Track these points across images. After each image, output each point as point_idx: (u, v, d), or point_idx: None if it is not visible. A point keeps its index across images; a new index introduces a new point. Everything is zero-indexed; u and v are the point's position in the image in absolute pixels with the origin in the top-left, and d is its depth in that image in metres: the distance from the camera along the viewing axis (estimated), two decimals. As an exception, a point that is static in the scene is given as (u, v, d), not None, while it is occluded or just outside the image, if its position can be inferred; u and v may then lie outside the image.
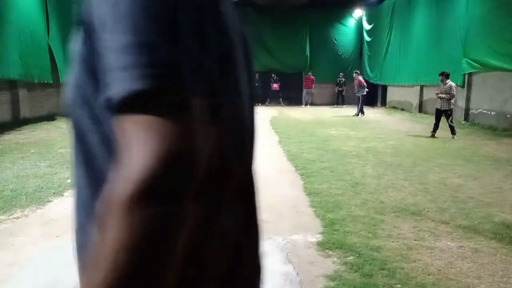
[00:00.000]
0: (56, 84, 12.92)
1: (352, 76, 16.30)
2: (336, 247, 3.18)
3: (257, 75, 20.19)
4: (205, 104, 0.43)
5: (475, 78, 11.90)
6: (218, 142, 0.47)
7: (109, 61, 0.41)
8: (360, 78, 15.64)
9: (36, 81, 11.36)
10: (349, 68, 20.67)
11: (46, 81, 11.80)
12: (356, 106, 15.64)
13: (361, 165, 6.24)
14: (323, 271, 2.80)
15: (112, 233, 0.37)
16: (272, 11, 19.78)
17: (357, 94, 15.42)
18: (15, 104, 10.93)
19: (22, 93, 11.17)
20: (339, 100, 19.93)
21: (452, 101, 9.35)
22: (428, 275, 2.74)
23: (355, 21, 21.18)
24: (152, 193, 0.37)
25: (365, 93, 15.33)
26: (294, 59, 20.70)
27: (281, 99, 20.43)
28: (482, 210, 4.12)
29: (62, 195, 4.53)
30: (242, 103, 0.56)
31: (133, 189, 0.37)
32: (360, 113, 15.12)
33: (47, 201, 4.30)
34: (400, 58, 16.75)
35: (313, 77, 19.67)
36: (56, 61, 12.44)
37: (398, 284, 2.62)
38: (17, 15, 10.45)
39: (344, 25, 21.20)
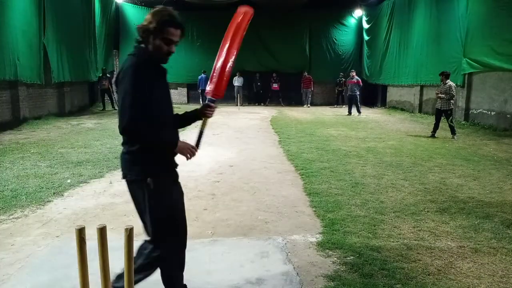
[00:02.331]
0: (54, 84, 12.90)
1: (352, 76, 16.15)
2: (336, 247, 3.18)
3: (257, 75, 20.26)
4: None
5: (475, 78, 11.90)
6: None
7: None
8: (357, 77, 15.78)
9: (30, 81, 11.29)
10: (349, 68, 20.65)
11: (36, 82, 11.74)
12: (348, 106, 15.69)
13: (361, 165, 6.24)
14: (323, 271, 2.80)
15: None
16: (272, 11, 19.78)
17: (354, 93, 15.33)
18: (15, 104, 10.93)
19: (22, 93, 11.16)
20: (339, 100, 19.92)
21: (452, 101, 9.34)
22: (428, 275, 2.74)
23: (355, 21, 21.19)
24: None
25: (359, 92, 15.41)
26: (294, 59, 20.69)
27: (281, 99, 20.45)
28: (482, 210, 4.12)
29: (62, 195, 4.53)
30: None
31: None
32: (358, 112, 15.17)
33: (47, 201, 4.30)
34: (400, 58, 16.75)
35: (310, 76, 19.70)
36: (50, 62, 12.39)
37: (398, 284, 2.62)
38: (14, 15, 10.43)
39: (344, 25, 21.19)
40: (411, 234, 3.48)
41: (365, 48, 20.76)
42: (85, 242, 1.96)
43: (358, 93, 15.31)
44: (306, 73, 19.99)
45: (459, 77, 12.08)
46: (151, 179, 2.03)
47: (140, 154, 2.03)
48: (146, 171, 2.04)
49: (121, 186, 5.01)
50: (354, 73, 15.85)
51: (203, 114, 2.32)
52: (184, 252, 2.31)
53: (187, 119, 2.35)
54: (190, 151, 2.12)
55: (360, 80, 15.77)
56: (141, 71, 1.98)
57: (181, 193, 2.28)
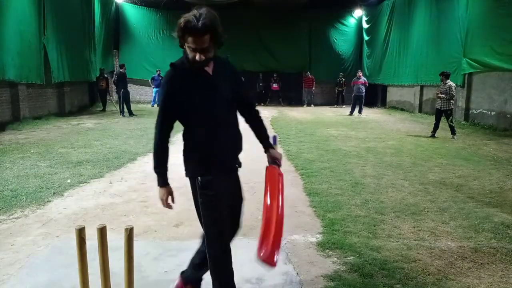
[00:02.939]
0: (53, 84, 12.88)
1: (356, 75, 16.03)
2: (336, 247, 3.17)
3: (260, 75, 20.28)
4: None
5: (475, 78, 11.90)
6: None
7: None
8: (364, 78, 15.83)
9: (26, 81, 11.26)
10: (349, 68, 20.66)
11: (36, 82, 11.73)
12: (351, 106, 15.63)
13: (361, 165, 6.24)
14: (323, 271, 2.80)
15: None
16: (272, 11, 19.77)
17: (361, 94, 15.28)
18: (15, 104, 10.93)
19: (22, 93, 11.16)
20: (339, 100, 19.93)
21: (452, 101, 9.34)
22: (428, 275, 2.74)
23: (355, 21, 21.19)
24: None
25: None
26: (294, 59, 20.68)
27: (281, 99, 20.46)
28: (482, 210, 4.12)
29: (62, 195, 4.53)
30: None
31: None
32: (359, 113, 15.16)
33: (47, 201, 4.30)
34: (400, 58, 16.74)
35: (312, 76, 19.72)
36: (50, 62, 12.38)
37: (398, 284, 2.62)
38: (13, 15, 10.41)
39: (344, 25, 21.19)
40: (411, 234, 3.48)
41: (365, 48, 20.75)
42: (85, 242, 1.96)
43: (364, 93, 15.31)
44: (308, 73, 19.99)
45: (459, 77, 12.08)
46: (201, 177, 2.17)
47: (192, 155, 2.21)
48: (196, 170, 2.21)
49: (121, 186, 5.01)
50: (360, 74, 15.81)
51: (270, 161, 2.53)
52: (227, 252, 2.31)
53: (260, 136, 2.62)
54: (164, 203, 2.26)
55: (367, 81, 15.77)
56: (168, 86, 2.08)
57: (231, 193, 2.44)
